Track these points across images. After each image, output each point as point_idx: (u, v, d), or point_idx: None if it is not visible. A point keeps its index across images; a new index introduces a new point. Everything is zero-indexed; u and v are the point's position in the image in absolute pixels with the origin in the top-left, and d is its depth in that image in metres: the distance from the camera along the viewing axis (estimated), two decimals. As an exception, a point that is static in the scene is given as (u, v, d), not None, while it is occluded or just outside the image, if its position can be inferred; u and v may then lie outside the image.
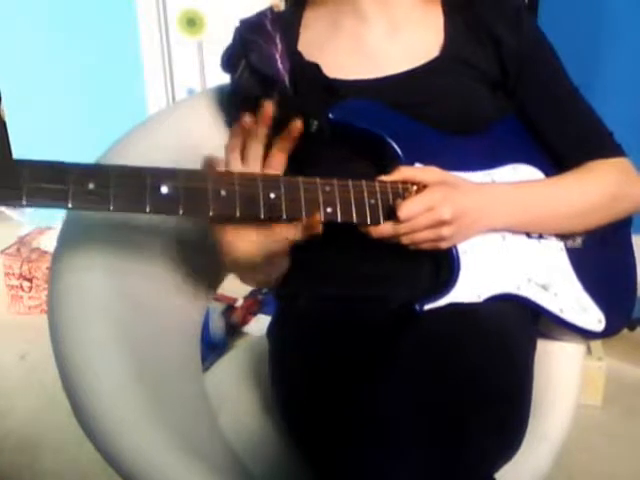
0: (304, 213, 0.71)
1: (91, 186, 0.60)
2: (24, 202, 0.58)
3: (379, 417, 0.65)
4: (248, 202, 0.68)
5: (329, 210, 0.72)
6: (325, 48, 0.89)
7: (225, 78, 0.94)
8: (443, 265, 0.81)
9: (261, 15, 0.90)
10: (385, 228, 0.76)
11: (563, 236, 0.89)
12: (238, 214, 0.67)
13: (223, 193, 0.66)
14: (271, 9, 0.92)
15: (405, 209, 0.74)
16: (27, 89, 2.38)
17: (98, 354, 0.75)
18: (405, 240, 0.77)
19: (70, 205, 0.60)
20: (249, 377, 1.03)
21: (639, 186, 0.90)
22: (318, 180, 0.73)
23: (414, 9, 0.89)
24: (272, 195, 0.69)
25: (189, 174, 0.66)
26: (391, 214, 0.75)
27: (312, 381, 0.80)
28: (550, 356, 0.94)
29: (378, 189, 0.76)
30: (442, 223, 0.76)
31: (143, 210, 0.63)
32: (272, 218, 0.69)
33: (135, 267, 0.85)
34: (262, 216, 0.68)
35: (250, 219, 0.70)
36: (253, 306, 2.14)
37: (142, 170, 0.64)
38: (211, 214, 0.66)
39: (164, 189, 0.64)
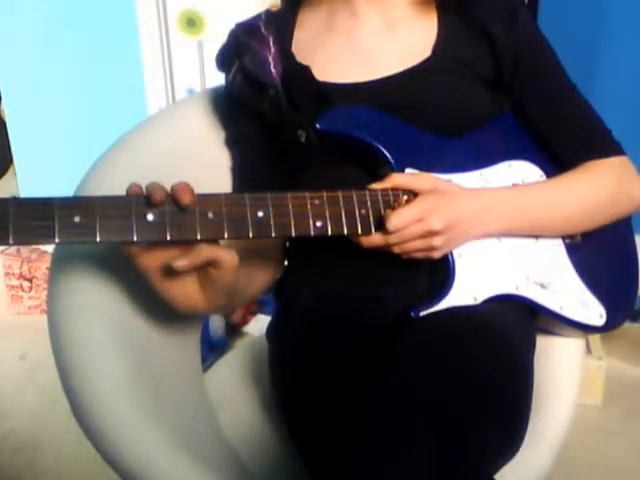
0: (293, 229, 0.70)
1: (77, 219, 0.59)
2: (11, 241, 0.57)
3: (379, 417, 0.65)
4: (236, 223, 0.66)
5: (319, 224, 0.71)
6: (318, 48, 0.88)
7: (225, 78, 0.94)
8: (439, 269, 0.81)
9: (256, 18, 0.90)
10: (375, 238, 0.75)
11: (561, 233, 0.88)
12: (226, 236, 0.66)
13: (210, 215, 0.65)
14: (267, 11, 0.92)
15: (394, 220, 0.73)
16: (27, 89, 2.38)
17: (97, 354, 0.75)
18: (396, 250, 0.76)
19: (57, 240, 0.58)
20: (249, 377, 1.03)
21: (639, 185, 0.90)
22: (307, 194, 0.71)
23: (408, 7, 0.88)
24: (260, 214, 0.68)
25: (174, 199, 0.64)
26: (382, 224, 0.74)
27: (311, 381, 0.80)
28: (550, 355, 0.94)
29: (368, 198, 0.75)
30: (432, 233, 0.75)
31: (131, 239, 0.62)
32: (261, 237, 0.68)
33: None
34: (251, 235, 0.67)
35: (239, 239, 0.68)
36: (253, 306, 2.14)
37: (127, 198, 0.63)
38: (199, 237, 0.64)
39: (150, 216, 0.62)
